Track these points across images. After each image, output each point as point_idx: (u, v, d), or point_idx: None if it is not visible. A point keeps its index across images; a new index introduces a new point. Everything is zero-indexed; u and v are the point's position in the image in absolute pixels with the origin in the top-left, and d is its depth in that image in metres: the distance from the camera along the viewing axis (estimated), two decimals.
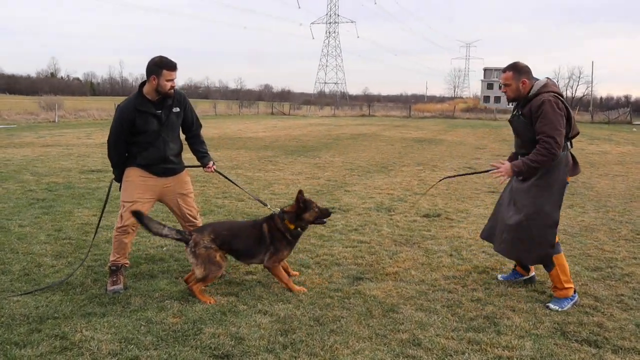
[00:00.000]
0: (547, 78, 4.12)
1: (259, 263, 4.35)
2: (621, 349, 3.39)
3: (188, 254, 4.07)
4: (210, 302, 3.94)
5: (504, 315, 3.86)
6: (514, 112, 4.21)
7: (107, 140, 4.30)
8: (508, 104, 4.52)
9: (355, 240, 5.82)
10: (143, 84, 4.22)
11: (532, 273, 4.59)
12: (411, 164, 13.21)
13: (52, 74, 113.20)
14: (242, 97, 69.51)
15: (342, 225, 6.51)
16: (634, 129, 35.28)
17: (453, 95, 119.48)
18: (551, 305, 4.02)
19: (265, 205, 4.75)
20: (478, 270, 4.87)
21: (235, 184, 5.22)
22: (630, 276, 4.80)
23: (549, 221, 4.04)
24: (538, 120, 3.91)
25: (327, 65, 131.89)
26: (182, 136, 4.55)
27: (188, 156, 4.58)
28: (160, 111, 4.22)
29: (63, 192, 8.35)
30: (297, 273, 4.63)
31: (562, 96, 4.01)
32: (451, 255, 5.35)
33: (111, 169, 4.44)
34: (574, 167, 4.18)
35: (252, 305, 3.95)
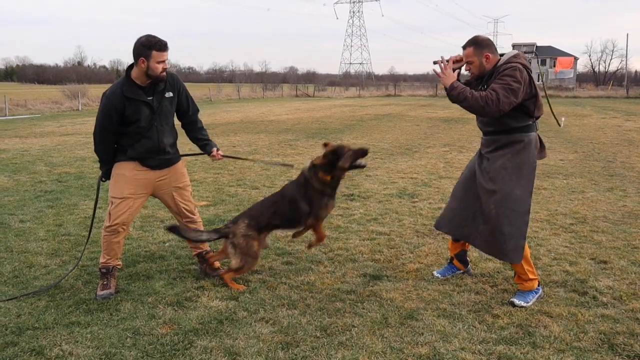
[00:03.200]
0: (518, 51, 3.66)
1: (306, 228, 4.14)
2: None
3: (228, 247, 3.93)
4: (241, 289, 3.86)
5: (539, 322, 3.35)
6: (480, 88, 3.65)
7: (93, 134, 3.89)
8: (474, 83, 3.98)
9: (374, 232, 5.35)
10: (131, 67, 3.78)
11: (469, 267, 4.21)
12: (437, 145, 12.59)
13: (78, 62, 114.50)
14: (266, 79, 68.78)
15: (360, 215, 6.04)
16: None
17: None
18: (515, 301, 3.61)
19: (292, 166, 4.48)
20: (509, 267, 4.34)
21: (249, 160, 4.86)
22: None
23: (520, 207, 3.57)
24: (495, 79, 3.43)
25: (351, 46, 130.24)
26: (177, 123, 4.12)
27: (186, 144, 4.16)
28: (151, 97, 3.78)
29: (73, 182, 8.07)
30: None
31: (530, 70, 3.52)
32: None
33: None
34: (541, 150, 3.72)
35: (253, 311, 3.53)
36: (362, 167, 4.02)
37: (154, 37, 3.69)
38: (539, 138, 3.71)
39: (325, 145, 4.01)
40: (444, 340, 3.12)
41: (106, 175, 3.95)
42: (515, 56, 3.57)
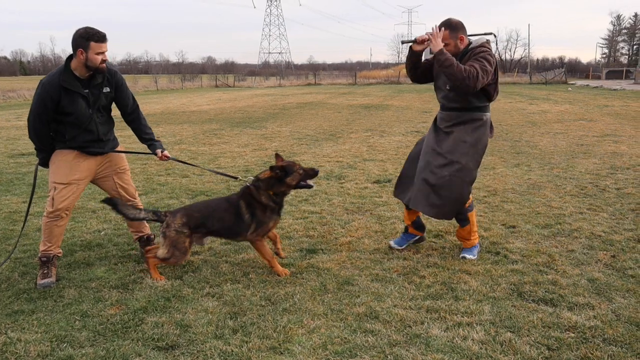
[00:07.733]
0: (487, 40, 3.97)
1: (246, 240, 3.98)
2: (576, 305, 3.36)
3: (160, 233, 3.86)
4: (160, 280, 3.80)
5: (460, 279, 3.77)
6: None
7: (27, 119, 3.86)
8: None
9: (306, 211, 5.62)
10: (70, 58, 3.78)
11: (424, 233, 4.53)
12: (359, 130, 13.07)
13: None
14: (184, 70, 66.99)
15: (291, 197, 6.28)
16: (570, 89, 36.51)
17: (397, 61, 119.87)
18: (467, 256, 4.17)
19: (236, 178, 4.33)
20: (432, 235, 4.78)
21: (196, 166, 5.08)
22: (578, 231, 4.83)
23: (469, 178, 4.01)
24: (472, 59, 3.74)
25: (270, 35, 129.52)
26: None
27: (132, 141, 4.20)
28: (87, 90, 3.81)
29: None
30: (284, 255, 4.22)
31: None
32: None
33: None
34: (491, 130, 4.16)
35: (198, 288, 3.69)
36: (310, 187, 3.92)
37: (92, 28, 3.71)
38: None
39: (277, 156, 3.98)
40: (379, 300, 3.45)
41: (43, 161, 3.95)
42: (486, 43, 3.87)
